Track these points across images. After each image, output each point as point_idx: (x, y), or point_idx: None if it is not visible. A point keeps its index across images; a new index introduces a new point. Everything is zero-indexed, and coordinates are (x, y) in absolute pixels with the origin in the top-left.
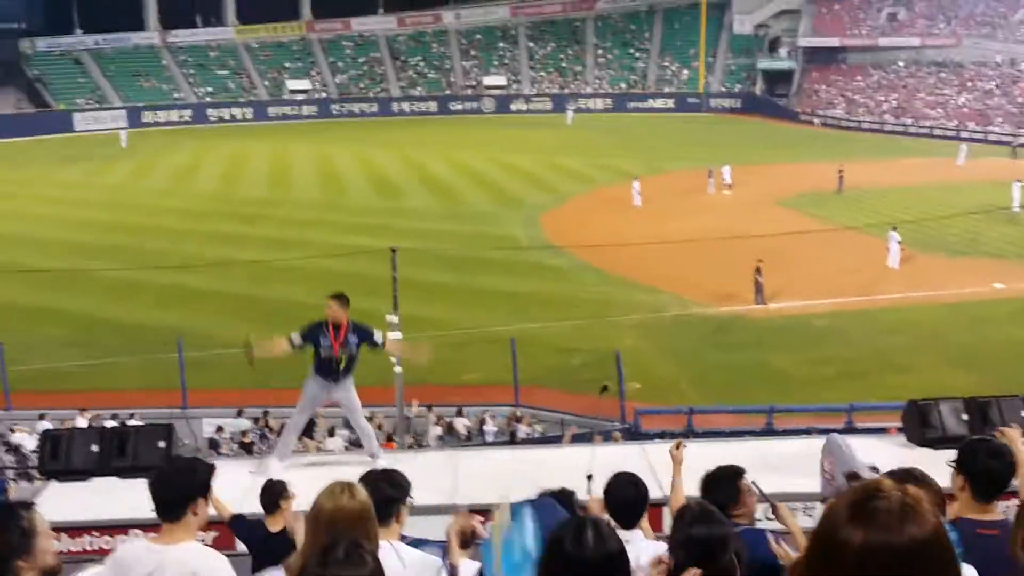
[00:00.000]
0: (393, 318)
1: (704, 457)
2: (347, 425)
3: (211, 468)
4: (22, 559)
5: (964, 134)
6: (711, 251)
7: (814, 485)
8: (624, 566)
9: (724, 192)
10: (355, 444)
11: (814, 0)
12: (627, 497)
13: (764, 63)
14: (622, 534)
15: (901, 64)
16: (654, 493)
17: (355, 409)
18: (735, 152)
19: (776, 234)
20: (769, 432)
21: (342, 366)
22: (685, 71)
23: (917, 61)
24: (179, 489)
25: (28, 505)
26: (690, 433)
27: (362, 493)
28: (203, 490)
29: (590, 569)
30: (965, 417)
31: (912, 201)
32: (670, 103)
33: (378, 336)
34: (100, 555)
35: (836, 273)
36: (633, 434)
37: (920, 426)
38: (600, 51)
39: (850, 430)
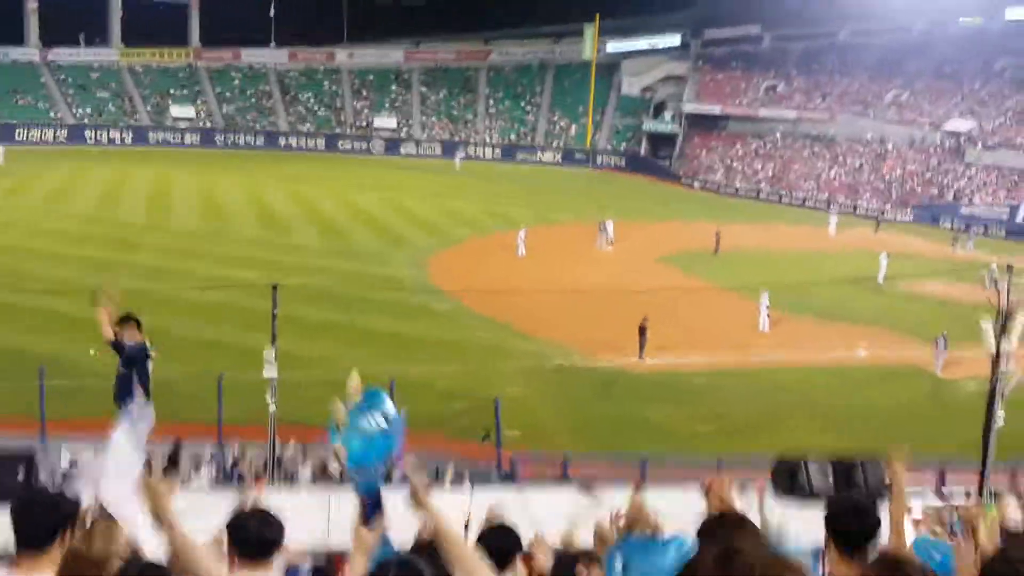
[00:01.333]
0: (270, 354)
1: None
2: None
3: (77, 504)
4: None
5: (834, 206)
6: (593, 303)
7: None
8: None
9: (607, 247)
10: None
11: (699, 69)
12: (500, 544)
13: (649, 125)
14: None
15: (778, 135)
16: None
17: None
18: (619, 208)
19: (657, 290)
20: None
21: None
22: (573, 127)
23: (793, 133)
24: (51, 520)
25: None
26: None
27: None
28: (73, 520)
29: None
30: (830, 478)
31: (784, 265)
32: (558, 157)
33: None
34: None
35: (712, 332)
36: (510, 480)
37: (788, 482)
38: (491, 101)
39: None
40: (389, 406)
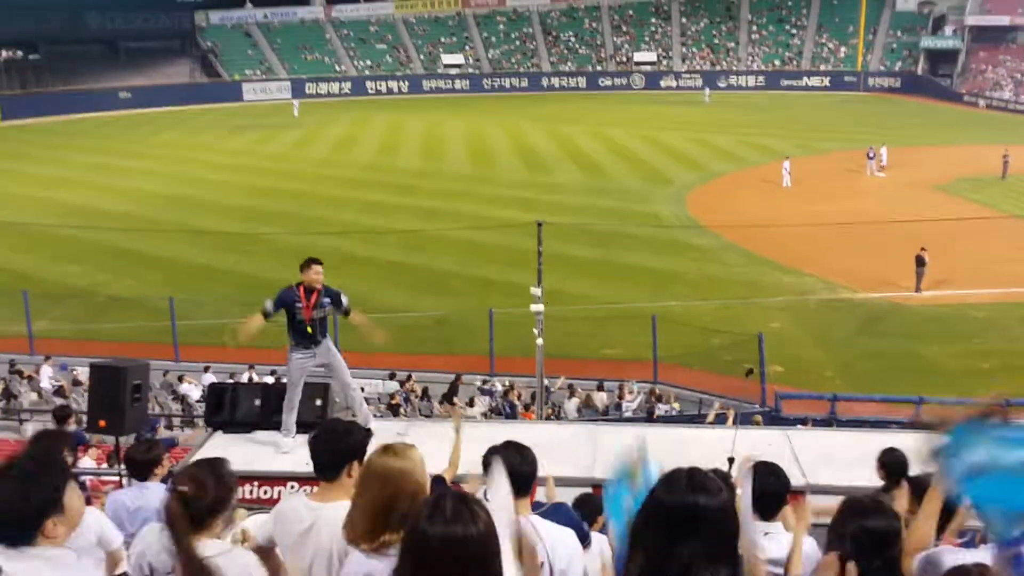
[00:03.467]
0: (537, 291)
1: (848, 446)
2: (484, 393)
3: (368, 432)
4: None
5: None
6: (863, 235)
7: None
8: (486, 551)
9: (878, 174)
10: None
11: None
12: (767, 488)
13: (927, 41)
14: (762, 525)
15: None
16: (797, 482)
17: (341, 370)
18: (892, 133)
19: (934, 219)
20: (917, 424)
21: (315, 329)
22: (843, 48)
23: None
24: (336, 451)
25: None
26: (833, 420)
27: (416, 454)
28: (359, 453)
29: (442, 549)
30: None
31: None
32: (826, 81)
33: (346, 301)
34: (259, 504)
35: (997, 263)
36: (774, 418)
37: None
38: (754, 27)
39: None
40: None
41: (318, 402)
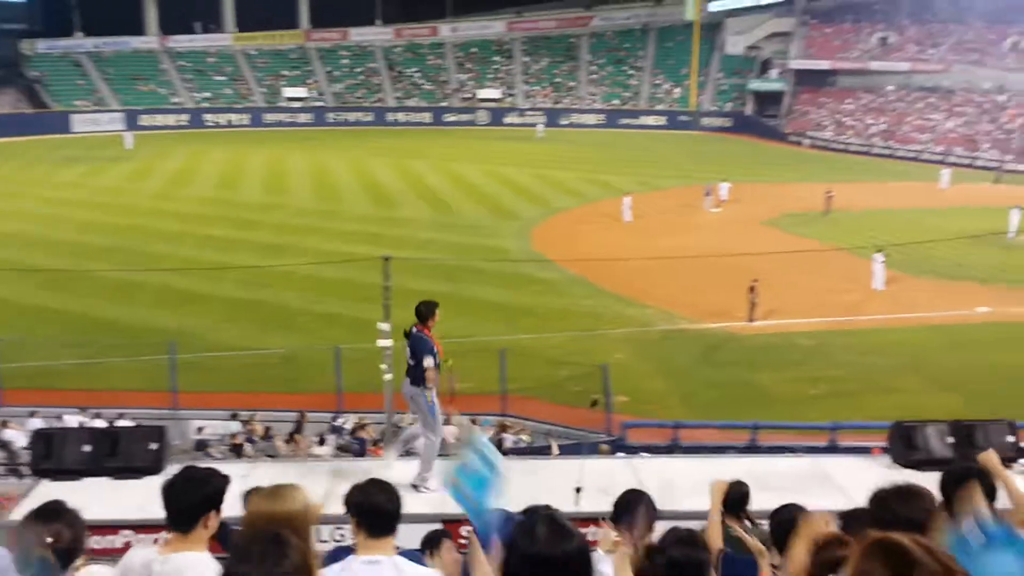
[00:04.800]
0: (384, 326)
1: (689, 473)
2: (334, 431)
3: (225, 480)
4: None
5: (951, 159)
6: (699, 268)
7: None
8: (581, 566)
9: (713, 210)
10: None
11: (806, 23)
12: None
13: (755, 84)
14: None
15: (890, 88)
16: None
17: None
18: (725, 171)
19: (765, 253)
20: (753, 449)
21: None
22: (677, 89)
23: (907, 86)
24: (194, 500)
25: None
26: (676, 447)
27: (300, 496)
28: (218, 502)
29: (544, 565)
30: (951, 440)
31: (898, 224)
32: (662, 120)
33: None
34: (92, 554)
35: (822, 293)
36: (620, 447)
37: (905, 447)
38: (594, 67)
39: (833, 449)
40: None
41: (152, 445)
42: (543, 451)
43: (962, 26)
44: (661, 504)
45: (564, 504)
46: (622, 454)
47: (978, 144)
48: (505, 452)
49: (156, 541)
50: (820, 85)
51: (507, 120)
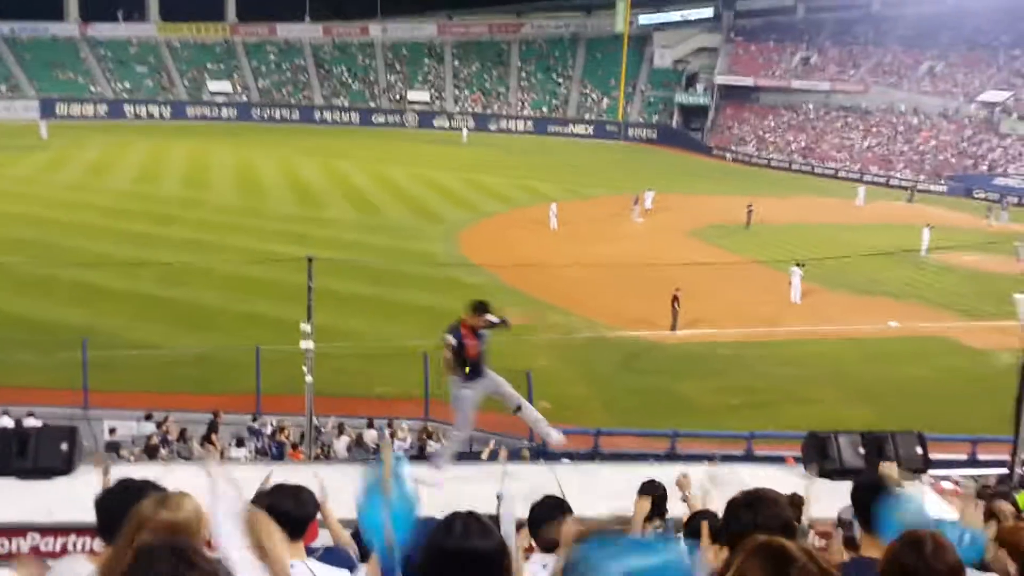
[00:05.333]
0: (307, 327)
1: (609, 478)
2: (252, 433)
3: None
4: None
5: (867, 177)
6: (624, 277)
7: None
8: (497, 565)
9: (638, 220)
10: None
11: (731, 40)
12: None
13: (681, 97)
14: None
15: (811, 106)
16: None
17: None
18: (650, 181)
19: (689, 263)
20: (672, 456)
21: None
22: (605, 99)
23: (826, 105)
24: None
25: None
26: (596, 454)
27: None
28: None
29: (456, 560)
30: (862, 450)
31: (816, 238)
32: (589, 130)
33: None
34: None
35: (742, 304)
36: (540, 453)
37: (818, 457)
38: (524, 74)
39: (749, 458)
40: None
41: (64, 446)
42: (467, 456)
43: (881, 49)
44: (579, 509)
45: (485, 510)
46: (543, 460)
47: (893, 163)
48: (428, 457)
49: (90, 550)
50: (744, 101)
51: (437, 123)
